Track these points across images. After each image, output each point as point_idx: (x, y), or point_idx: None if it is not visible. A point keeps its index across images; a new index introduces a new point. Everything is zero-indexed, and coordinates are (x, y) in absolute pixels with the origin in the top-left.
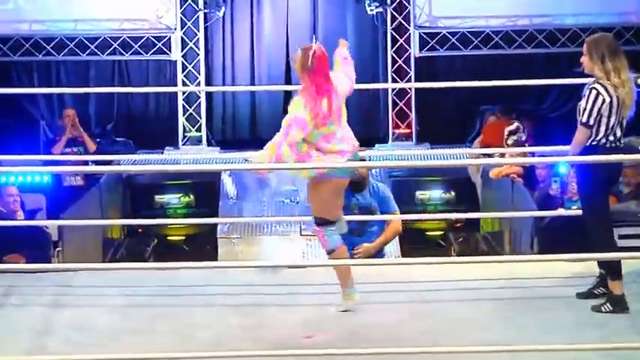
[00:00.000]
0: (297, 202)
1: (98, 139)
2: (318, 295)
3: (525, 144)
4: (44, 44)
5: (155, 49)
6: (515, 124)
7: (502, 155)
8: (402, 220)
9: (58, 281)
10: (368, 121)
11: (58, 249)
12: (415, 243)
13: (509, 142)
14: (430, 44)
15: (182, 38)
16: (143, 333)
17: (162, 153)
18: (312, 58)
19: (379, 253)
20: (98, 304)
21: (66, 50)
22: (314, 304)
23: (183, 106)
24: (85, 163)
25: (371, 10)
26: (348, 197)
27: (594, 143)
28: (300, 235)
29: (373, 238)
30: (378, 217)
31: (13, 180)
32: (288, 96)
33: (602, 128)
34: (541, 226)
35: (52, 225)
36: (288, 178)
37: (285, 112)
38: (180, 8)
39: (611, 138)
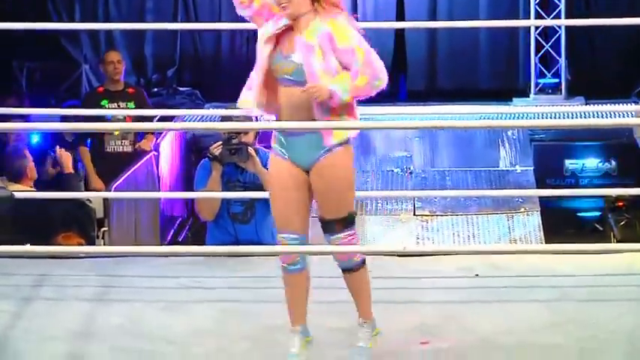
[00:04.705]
0: (410, 173)
1: (156, 89)
2: (439, 290)
3: None
4: None
5: None
6: None
7: None
8: (547, 198)
9: (104, 269)
10: (503, 69)
11: (103, 229)
12: (564, 226)
13: None
14: None
15: None
16: (211, 336)
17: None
18: None
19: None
20: (154, 299)
21: None
22: (434, 300)
23: None
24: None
25: None
26: (230, 173)
27: None
28: (414, 215)
29: (260, 224)
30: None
31: (37, 140)
32: (399, 37)
33: None
34: None
35: (96, 199)
36: (399, 141)
37: (398, 57)
38: None
39: None
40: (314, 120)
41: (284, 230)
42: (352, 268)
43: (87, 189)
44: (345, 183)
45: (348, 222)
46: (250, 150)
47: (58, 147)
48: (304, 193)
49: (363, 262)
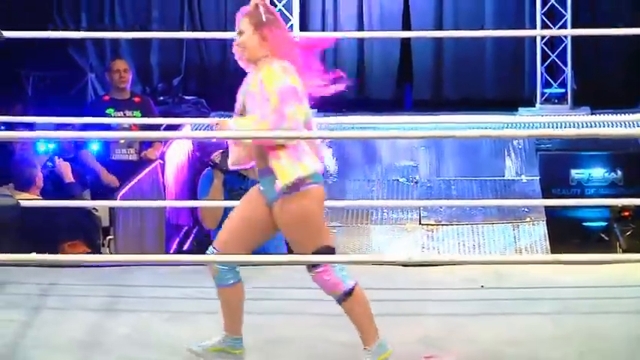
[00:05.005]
0: (415, 182)
1: (162, 97)
2: (444, 302)
3: None
4: None
5: None
6: None
7: None
8: (553, 208)
9: (110, 278)
10: (509, 78)
11: (109, 237)
12: (570, 236)
13: None
14: None
15: None
16: None
17: None
18: (264, 8)
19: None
20: (159, 309)
21: None
22: (438, 313)
23: None
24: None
25: None
26: (232, 182)
27: None
28: (420, 224)
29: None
30: None
31: (44, 148)
32: (406, 47)
33: None
34: None
35: (102, 207)
36: (404, 150)
37: (404, 66)
38: None
39: None
40: (262, 164)
41: (217, 250)
42: (338, 300)
43: (102, 185)
44: (300, 228)
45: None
46: None
47: (56, 157)
48: (260, 227)
49: (347, 293)
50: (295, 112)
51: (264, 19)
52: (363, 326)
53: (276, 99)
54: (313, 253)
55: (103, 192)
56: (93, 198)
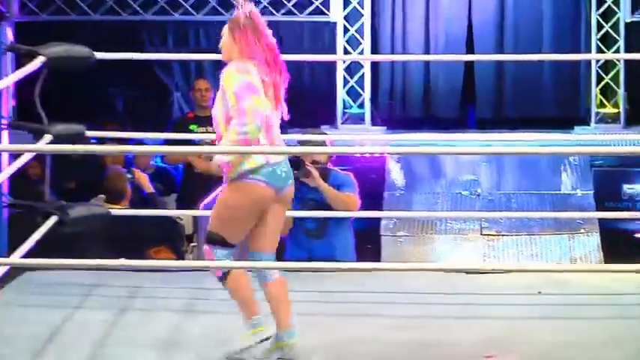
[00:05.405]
0: (477, 195)
1: None
2: (503, 307)
3: None
4: (181, 0)
5: (312, 8)
6: None
7: None
8: (606, 220)
9: (191, 282)
10: (566, 99)
11: (192, 244)
12: (621, 247)
13: None
14: None
15: None
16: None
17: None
18: (243, 14)
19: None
20: (236, 311)
21: (207, 9)
22: (498, 316)
23: (344, 78)
24: None
25: None
26: (304, 191)
27: None
28: (481, 234)
29: (333, 241)
30: (334, 213)
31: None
32: (469, 69)
33: None
34: None
35: (186, 216)
36: (467, 165)
37: (467, 87)
38: None
39: None
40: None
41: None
42: (219, 280)
43: (194, 173)
44: (218, 209)
45: (209, 238)
46: (309, 166)
47: (133, 169)
48: None
49: (221, 277)
50: (252, 103)
51: (240, 23)
52: (240, 306)
53: (233, 98)
54: (209, 232)
55: (187, 201)
56: (179, 204)
